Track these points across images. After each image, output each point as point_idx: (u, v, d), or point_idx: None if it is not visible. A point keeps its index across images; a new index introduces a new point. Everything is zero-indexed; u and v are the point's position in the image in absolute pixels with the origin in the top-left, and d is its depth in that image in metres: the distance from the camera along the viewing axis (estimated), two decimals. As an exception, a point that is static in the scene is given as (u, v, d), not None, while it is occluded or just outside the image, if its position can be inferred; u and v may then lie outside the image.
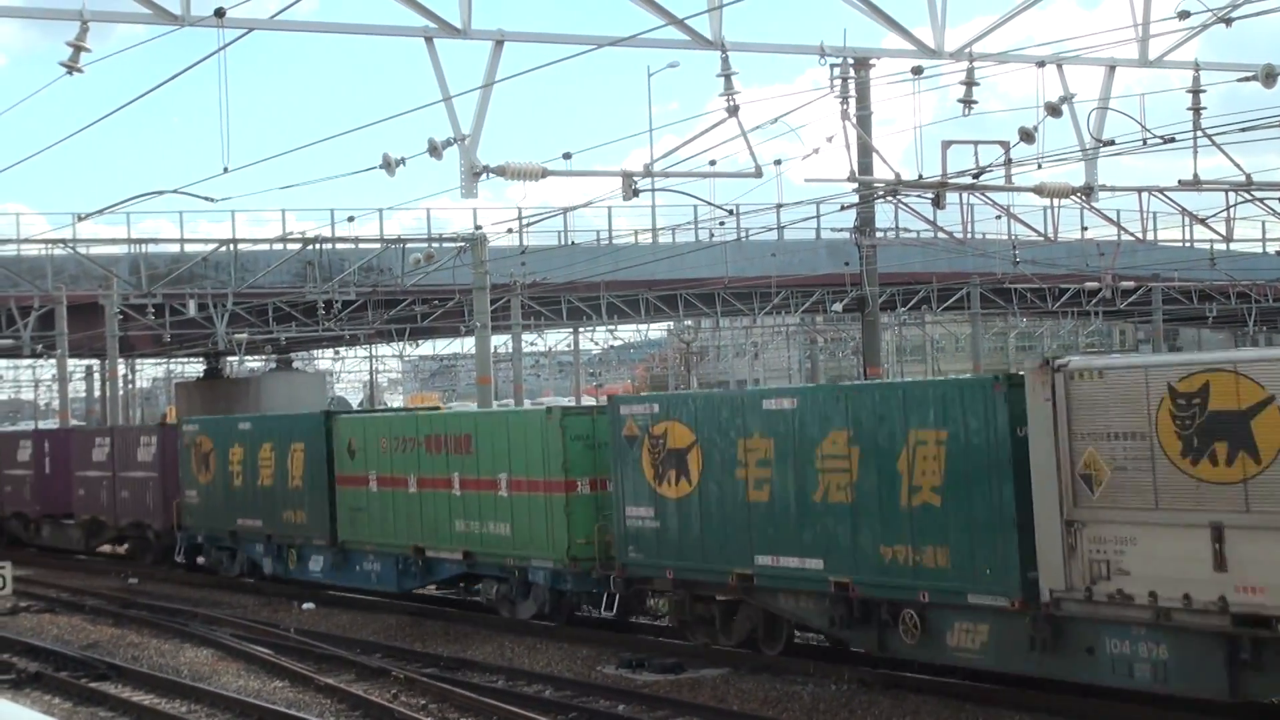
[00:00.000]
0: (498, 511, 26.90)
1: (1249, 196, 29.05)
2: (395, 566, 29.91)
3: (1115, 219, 33.88)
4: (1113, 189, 27.90)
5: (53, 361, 62.96)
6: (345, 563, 31.48)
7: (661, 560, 23.34)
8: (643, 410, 23.83)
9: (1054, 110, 23.80)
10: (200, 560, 37.82)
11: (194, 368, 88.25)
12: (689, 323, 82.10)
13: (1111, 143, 24.80)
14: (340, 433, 31.30)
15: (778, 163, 29.24)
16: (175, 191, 34.92)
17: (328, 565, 32.03)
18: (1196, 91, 24.33)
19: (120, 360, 57.84)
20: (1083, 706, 18.73)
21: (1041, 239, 35.68)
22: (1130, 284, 61.72)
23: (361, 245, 50.74)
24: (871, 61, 27.28)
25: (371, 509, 30.29)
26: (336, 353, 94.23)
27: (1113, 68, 25.15)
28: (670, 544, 23.17)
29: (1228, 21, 22.03)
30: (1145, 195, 29.83)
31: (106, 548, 44.45)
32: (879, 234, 40.74)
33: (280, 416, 37.71)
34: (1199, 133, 24.44)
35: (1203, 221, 32.38)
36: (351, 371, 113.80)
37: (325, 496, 31.54)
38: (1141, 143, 24.51)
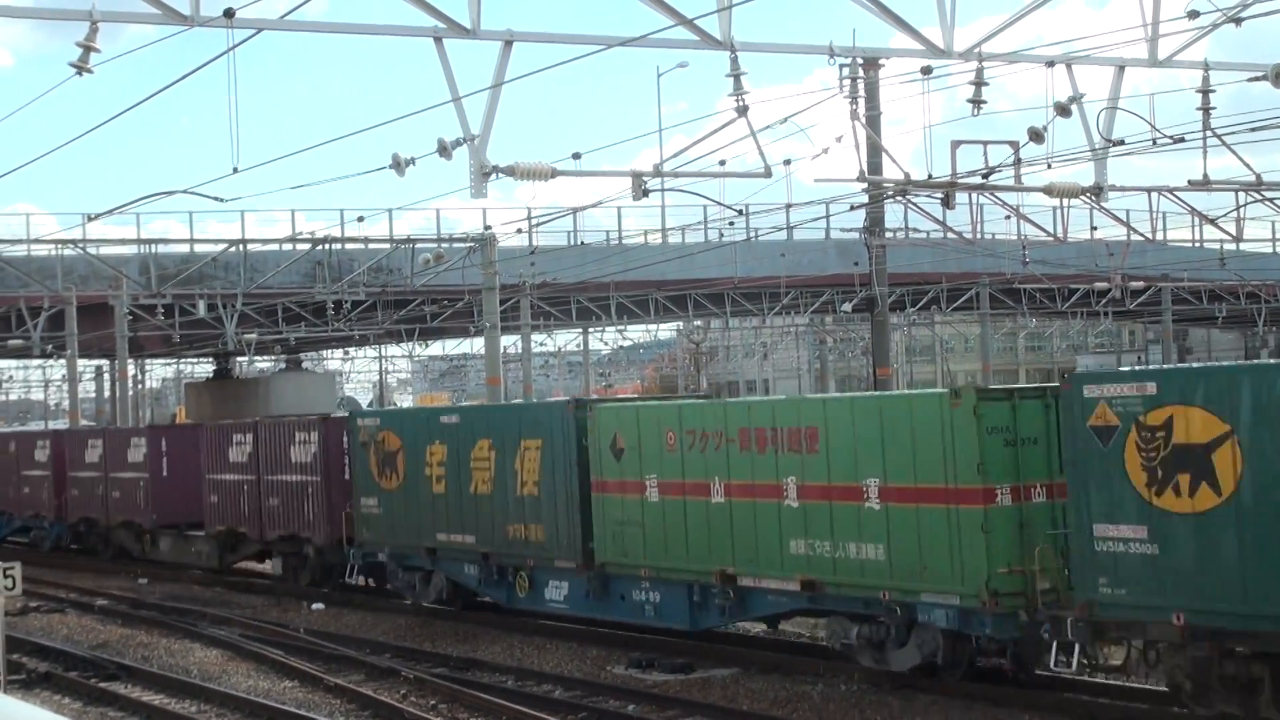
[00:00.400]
0: (863, 528, 20.59)
1: (1259, 196, 29.03)
2: (687, 598, 23.75)
3: (1125, 219, 33.83)
4: (1122, 189, 27.92)
5: (62, 362, 63.11)
6: (604, 590, 25.30)
7: (1165, 599, 17.17)
8: (1126, 391, 17.73)
9: (1063, 110, 23.78)
10: (362, 581, 32.93)
11: (203, 368, 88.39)
12: (698, 323, 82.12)
13: (1121, 143, 24.81)
14: (600, 426, 24.93)
15: (787, 163, 29.28)
16: (185, 192, 34.88)
17: (577, 593, 25.88)
18: (1206, 91, 24.31)
19: (130, 360, 57.87)
20: (1092, 708, 18.70)
21: (1051, 239, 35.70)
22: (1140, 284, 61.70)
23: (371, 245, 50.81)
24: (881, 61, 27.30)
25: (649, 523, 24.04)
26: (346, 353, 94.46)
27: (1122, 68, 25.15)
28: (1180, 576, 17.05)
29: (1237, 21, 22.02)
30: (1155, 195, 29.83)
31: (244, 564, 38.64)
32: (888, 234, 40.74)
33: (502, 408, 31.84)
34: (1209, 133, 24.42)
35: (1212, 222, 32.37)
36: (361, 372, 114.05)
37: (575, 506, 25.44)
38: (1151, 143, 24.50)
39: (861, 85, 26.33)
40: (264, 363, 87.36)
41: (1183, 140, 24.38)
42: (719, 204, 30.59)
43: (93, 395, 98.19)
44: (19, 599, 29.14)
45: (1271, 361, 21.71)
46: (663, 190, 25.60)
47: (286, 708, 20.97)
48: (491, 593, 28.21)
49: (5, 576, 21.76)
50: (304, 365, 77.13)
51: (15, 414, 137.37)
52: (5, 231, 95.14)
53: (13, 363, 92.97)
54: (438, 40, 21.29)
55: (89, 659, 25.62)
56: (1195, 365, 20.40)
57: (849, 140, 25.44)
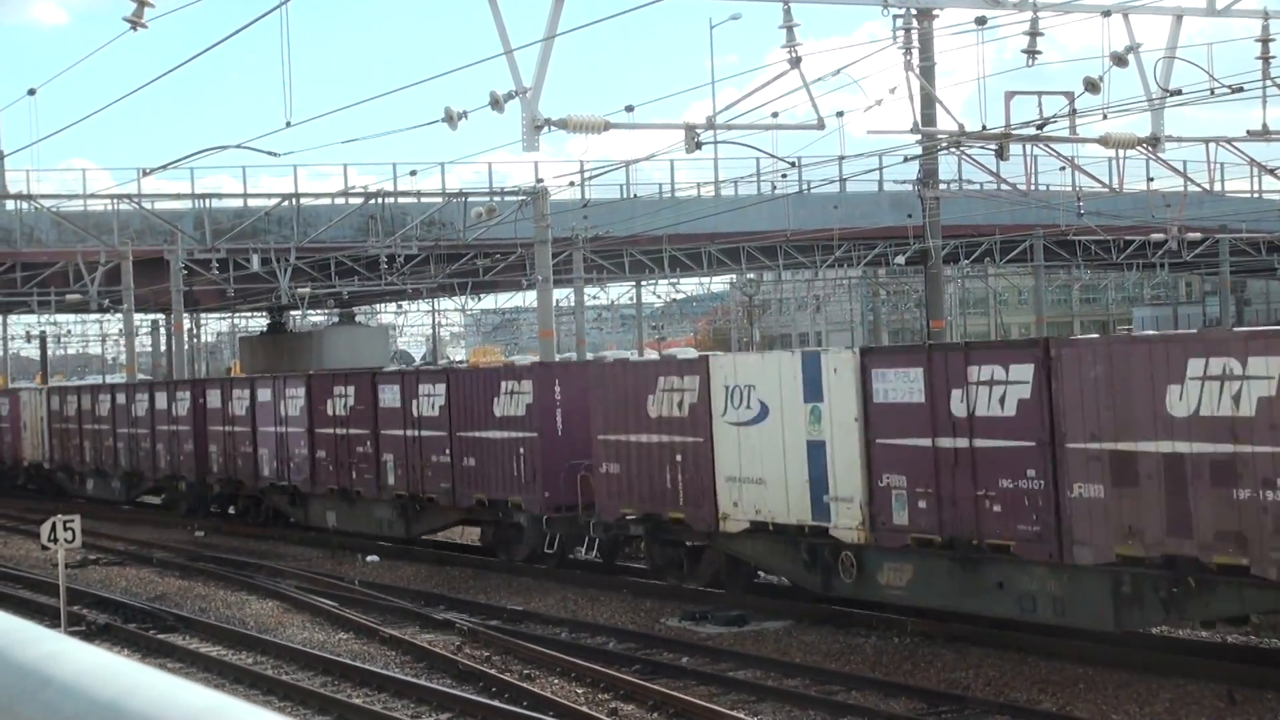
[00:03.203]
0: None
1: (1318, 146, 28.72)
2: None
3: (1182, 170, 33.55)
4: (1179, 140, 27.63)
5: (119, 316, 63.55)
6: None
7: None
8: None
9: (1120, 60, 23.55)
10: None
11: (257, 322, 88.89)
12: (751, 276, 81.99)
13: (1178, 93, 24.55)
14: None
15: (840, 115, 29.18)
16: (238, 146, 35.03)
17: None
18: (1266, 40, 24.02)
19: (185, 315, 58.24)
20: (1145, 659, 18.63)
21: (1106, 190, 35.42)
22: (1197, 235, 61.22)
23: (423, 199, 50.91)
24: (935, 12, 27.09)
25: None
26: (399, 307, 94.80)
27: (1180, 16, 24.85)
28: None
29: (1298, -32, 21.73)
30: (1213, 146, 29.54)
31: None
32: (942, 186, 40.54)
33: None
34: (1268, 82, 24.14)
35: (1271, 172, 32.04)
36: (414, 326, 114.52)
37: None
38: (1209, 92, 24.26)
39: (915, 36, 26.14)
40: (317, 317, 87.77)
41: (1241, 90, 24.13)
42: (772, 156, 30.52)
43: (149, 349, 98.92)
44: (79, 551, 29.48)
45: None
46: (715, 143, 25.50)
47: (342, 659, 21.12)
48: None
49: (65, 529, 21.99)
50: (357, 319, 77.46)
51: (74, 368, 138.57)
52: (62, 187, 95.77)
53: (70, 317, 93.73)
54: (489, -7, 21.23)
55: (148, 611, 25.86)
56: None
57: (902, 92, 25.29)
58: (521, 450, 28.29)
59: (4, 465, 54.80)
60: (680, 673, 19.61)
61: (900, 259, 60.10)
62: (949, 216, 46.46)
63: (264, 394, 37.19)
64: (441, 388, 30.97)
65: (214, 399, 39.57)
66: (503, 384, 29.11)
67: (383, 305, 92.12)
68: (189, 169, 58.26)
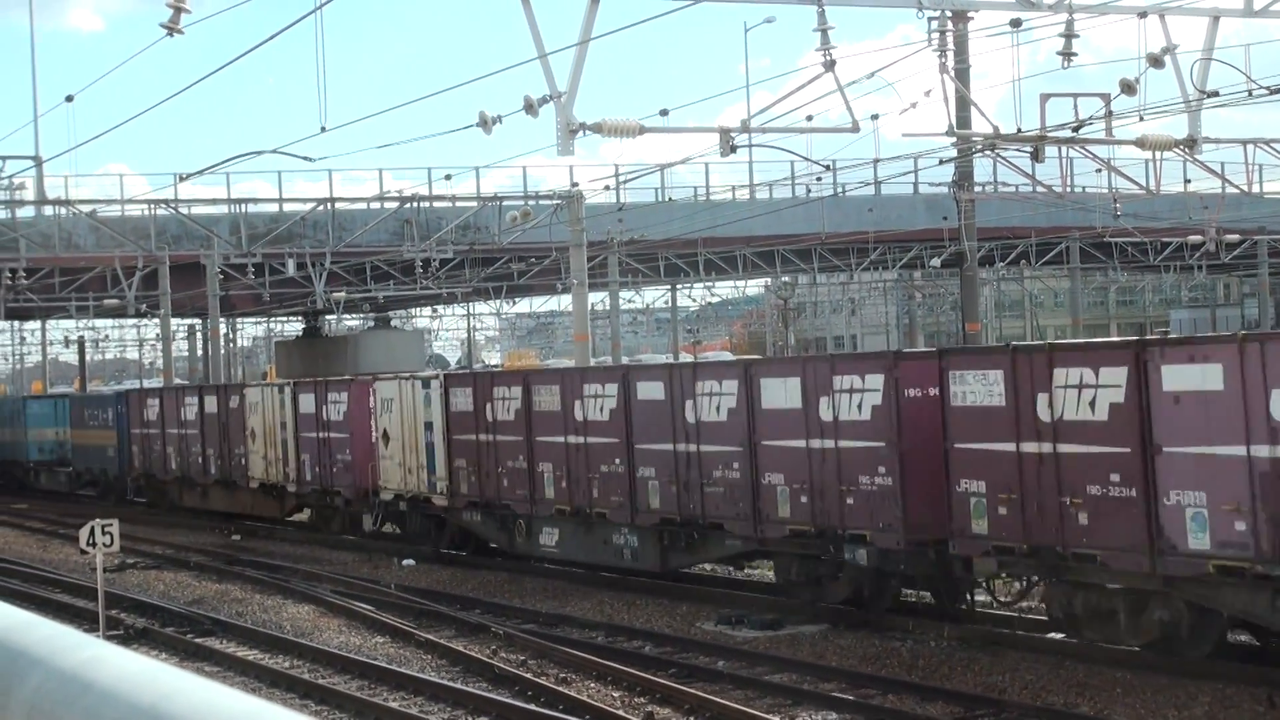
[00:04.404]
0: None
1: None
2: None
3: (1219, 171, 33.39)
4: (1217, 141, 27.51)
5: (156, 321, 63.83)
6: None
7: None
8: None
9: (1156, 61, 23.46)
10: None
11: (293, 326, 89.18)
12: (786, 279, 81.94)
13: (1215, 94, 24.44)
14: None
15: (875, 117, 29.14)
16: (273, 151, 35.10)
17: None
18: (1303, 41, 23.90)
19: (221, 319, 58.48)
20: (1184, 663, 18.55)
21: (1143, 192, 35.28)
22: (1235, 237, 60.91)
23: (458, 203, 51.03)
24: (969, 14, 27.03)
25: None
26: (434, 311, 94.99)
27: (1217, 18, 24.74)
28: None
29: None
30: (1251, 147, 29.40)
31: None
32: (977, 189, 40.45)
33: None
34: (1306, 83, 24.01)
35: (1309, 173, 31.87)
36: (449, 330, 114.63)
37: None
38: (1247, 94, 24.14)
39: (950, 38, 26.09)
40: (353, 321, 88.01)
41: None
42: (806, 159, 30.50)
43: (185, 354, 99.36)
44: (117, 555, 29.57)
45: None
46: (750, 146, 25.52)
47: (378, 663, 21.17)
48: None
49: (104, 534, 22.11)
50: (392, 323, 77.67)
51: (111, 373, 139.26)
52: (99, 192, 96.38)
53: (108, 322, 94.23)
54: (524, -3, 21.26)
55: (185, 614, 25.96)
56: None
57: (937, 94, 25.24)
58: None
59: (332, 499, 36.22)
60: (716, 676, 19.59)
61: (936, 261, 59.97)
62: (984, 219, 46.37)
63: (969, 388, 19.58)
64: None
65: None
66: None
67: (418, 309, 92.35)
68: (225, 174, 58.68)
